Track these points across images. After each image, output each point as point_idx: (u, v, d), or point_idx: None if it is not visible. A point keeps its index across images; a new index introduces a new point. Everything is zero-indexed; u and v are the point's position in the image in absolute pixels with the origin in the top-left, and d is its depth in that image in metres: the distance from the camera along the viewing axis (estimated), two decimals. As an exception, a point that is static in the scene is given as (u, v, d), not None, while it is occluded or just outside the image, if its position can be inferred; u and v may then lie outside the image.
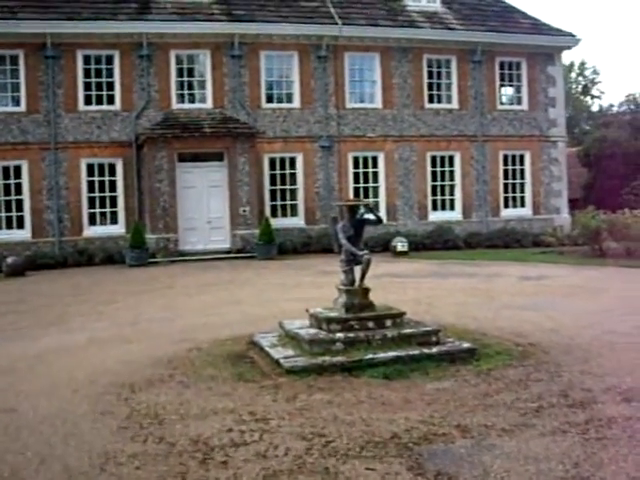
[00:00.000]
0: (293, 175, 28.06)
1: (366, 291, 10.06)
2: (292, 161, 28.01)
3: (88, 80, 26.34)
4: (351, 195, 28.59)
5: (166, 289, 17.94)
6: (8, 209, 25.72)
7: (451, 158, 29.82)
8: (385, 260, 22.53)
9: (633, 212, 24.47)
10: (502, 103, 30.95)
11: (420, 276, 19.12)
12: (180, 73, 27.10)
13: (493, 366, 9.07)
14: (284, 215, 27.89)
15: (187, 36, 26.72)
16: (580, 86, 76.60)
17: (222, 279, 19.59)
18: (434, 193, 29.67)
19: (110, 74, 26.50)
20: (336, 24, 27.87)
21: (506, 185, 30.64)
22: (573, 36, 31.19)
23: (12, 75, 25.67)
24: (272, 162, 27.76)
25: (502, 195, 30.50)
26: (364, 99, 29.06)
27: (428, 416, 7.02)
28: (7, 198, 25.70)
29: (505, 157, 30.53)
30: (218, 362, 9.72)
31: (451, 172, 29.86)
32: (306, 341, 9.42)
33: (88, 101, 26.35)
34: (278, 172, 27.87)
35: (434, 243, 27.88)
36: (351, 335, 9.51)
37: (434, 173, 29.62)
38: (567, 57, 70.41)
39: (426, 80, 29.50)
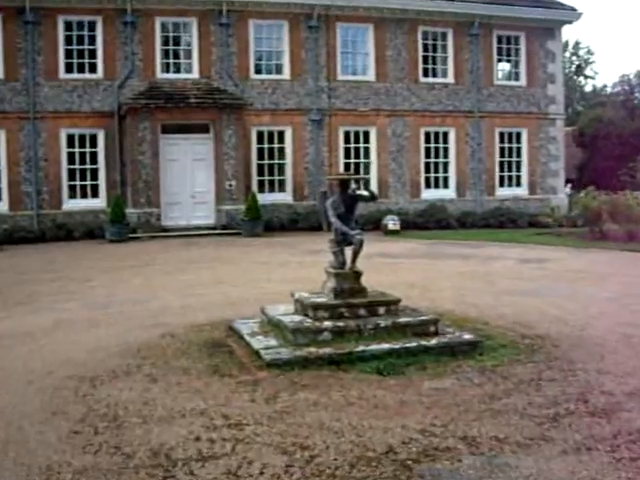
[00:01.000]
0: (281, 149, 26.99)
1: (358, 275, 9.10)
2: (281, 135, 26.92)
3: (69, 47, 25.14)
4: (341, 170, 27.53)
5: (144, 267, 16.93)
6: (-17, 180, 24.62)
7: (445, 134, 28.80)
8: (376, 239, 21.55)
9: (634, 193, 23.57)
10: (499, 78, 29.88)
11: (413, 257, 18.18)
12: (165, 41, 25.92)
13: (498, 362, 8.13)
14: (272, 190, 26.83)
15: (173, 2, 25.54)
16: (574, 66, 75.55)
17: (204, 257, 18.60)
18: (427, 170, 28.67)
19: (92, 41, 25.30)
20: (328, -8, 26.74)
21: (502, 163, 29.67)
22: (574, 10, 30.12)
23: (-11, 40, 24.45)
24: (260, 135, 26.68)
25: (497, 174, 29.53)
26: (356, 71, 27.96)
27: (428, 424, 6.07)
28: (-18, 169, 24.59)
29: (501, 134, 29.53)
30: (192, 351, 8.76)
31: (445, 149, 28.85)
32: (290, 330, 8.45)
33: (69, 69, 25.16)
34: (266, 146, 26.80)
35: (426, 222, 26.93)
36: (340, 324, 8.55)
37: (428, 149, 28.61)
38: (562, 36, 69.10)
39: (421, 53, 28.42)
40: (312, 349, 8.13)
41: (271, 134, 26.83)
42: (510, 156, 29.73)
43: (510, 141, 29.70)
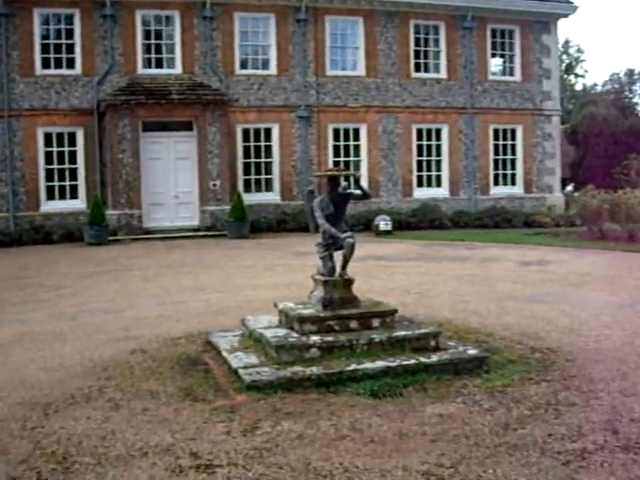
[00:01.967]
0: (268, 147, 26.00)
1: (349, 283, 8.15)
2: (267, 132, 25.94)
3: (46, 42, 24.11)
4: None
5: (123, 272, 15.93)
6: (-43, 181, 23.57)
7: (438, 131, 27.88)
8: (367, 240, 20.60)
9: (635, 192, 22.70)
10: (493, 74, 28.91)
11: (407, 259, 17.24)
12: (147, 35, 24.91)
13: (508, 381, 7.20)
14: (258, 190, 25.84)
15: (155, -6, 24.53)
16: (564, 64, 74.79)
17: (187, 260, 17.61)
18: (420, 168, 27.74)
19: (70, 35, 24.26)
20: (316, -15, 25.79)
21: (496, 161, 28.76)
22: (570, 2, 29.25)
23: (-39, 34, 23.40)
24: (246, 133, 25.68)
25: (492, 172, 28.62)
26: (346, 66, 26.98)
27: (434, 464, 5.13)
28: (-44, 169, 23.54)
29: (496, 131, 28.62)
30: (164, 370, 7.80)
31: (438, 146, 27.93)
32: (273, 346, 7.49)
33: (46, 65, 24.10)
34: (252, 144, 25.80)
35: (419, 222, 26.00)
36: (329, 339, 7.60)
37: (420, 147, 27.67)
38: (557, 30, 68.17)
39: (413, 47, 27.49)
40: (298, 368, 7.18)
41: (257, 131, 25.84)
42: (505, 154, 28.82)
43: (505, 138, 28.79)
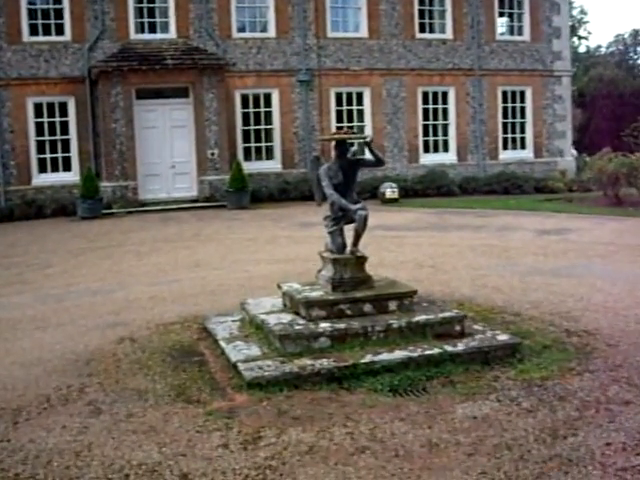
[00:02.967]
0: (268, 113, 24.89)
1: (361, 261, 7.22)
2: (267, 98, 24.82)
3: (33, 7, 22.89)
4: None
5: (116, 248, 14.99)
6: (-55, 154, 22.57)
7: (445, 94, 26.72)
8: (373, 209, 19.21)
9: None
10: (501, 33, 27.66)
11: (417, 229, 16.28)
12: (139, -2, 23.73)
13: (547, 372, 6.30)
14: (258, 158, 24.77)
15: (146, -45, 23.33)
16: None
17: (184, 234, 16.66)
18: (426, 133, 26.63)
19: (59, 0, 23.05)
20: (316, -59, 24.56)
21: (505, 125, 27.60)
22: (581, -43, 27.92)
23: (-56, 0, 22.26)
24: (244, 99, 24.57)
25: (501, 136, 27.47)
26: (347, 28, 25.76)
27: (476, 487, 4.23)
28: (-57, 142, 22.53)
29: (504, 93, 27.43)
30: (154, 363, 6.91)
31: (444, 110, 26.79)
32: (277, 336, 6.57)
33: (34, 31, 22.92)
34: (251, 110, 24.69)
35: (426, 189, 24.96)
36: (341, 326, 6.68)
37: (426, 111, 26.53)
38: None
39: (417, 7, 26.18)
40: (305, 361, 6.28)
41: (256, 97, 24.73)
42: (514, 117, 27.67)
43: (514, 100, 27.63)
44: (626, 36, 69.40)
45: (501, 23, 27.91)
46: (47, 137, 23.00)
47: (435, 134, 26.79)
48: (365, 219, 7.04)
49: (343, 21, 25.68)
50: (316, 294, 7.02)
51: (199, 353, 7.17)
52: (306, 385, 6.04)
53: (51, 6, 23.00)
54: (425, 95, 26.46)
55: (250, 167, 23.32)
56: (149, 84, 22.18)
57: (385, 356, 6.36)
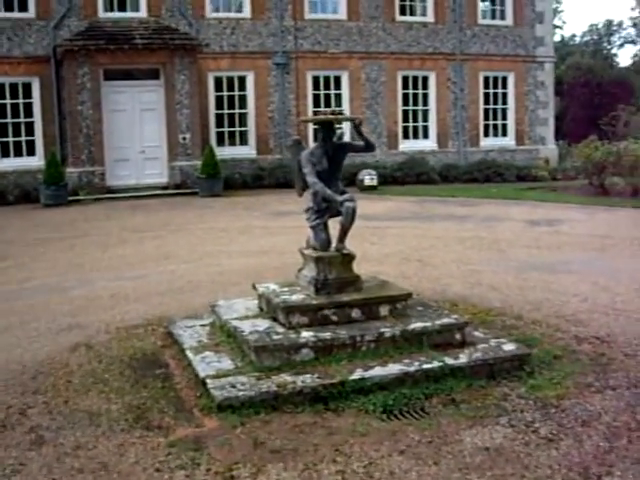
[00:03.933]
0: (243, 97, 23.85)
1: (348, 259, 6.36)
2: (241, 81, 23.77)
3: (-5, -19, 21.72)
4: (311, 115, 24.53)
5: (79, 238, 13.97)
6: None
7: (425, 79, 25.83)
8: (353, 198, 18.73)
9: (638, 142, 21.01)
10: (483, 17, 26.80)
11: (400, 218, 15.43)
12: (107, -26, 22.58)
13: (562, 389, 5.51)
14: (232, 144, 23.72)
15: None
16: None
17: (153, 223, 15.69)
18: (405, 119, 25.73)
19: (22, -26, 21.90)
20: None
21: (487, 111, 26.75)
22: (565, -62, 27.15)
23: None
24: (218, 82, 23.51)
25: (482, 122, 26.62)
26: (326, 9, 24.73)
27: None
28: None
29: (486, 79, 26.58)
30: (111, 377, 6.03)
31: (425, 95, 25.90)
32: (252, 347, 5.69)
33: (-4, 7, 21.75)
34: (225, 93, 23.64)
35: (405, 176, 24.10)
36: (326, 335, 5.82)
37: (406, 96, 25.62)
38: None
39: (397, -12, 25.32)
40: (286, 377, 5.42)
41: (231, 80, 23.69)
42: (495, 103, 26.84)
43: (495, 86, 26.80)
44: (600, 26, 69.41)
45: (483, 6, 27.03)
46: (10, 119, 21.79)
47: (415, 120, 25.92)
48: (353, 212, 6.18)
49: (321, 2, 24.63)
50: (297, 297, 6.15)
51: (163, 364, 6.29)
52: (286, 406, 5.20)
53: (13, -19, 21.82)
54: (405, 80, 25.55)
55: (223, 153, 22.33)
56: (118, 65, 21.07)
57: (377, 371, 5.52)
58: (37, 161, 21.69)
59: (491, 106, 26.80)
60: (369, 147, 6.51)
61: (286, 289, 6.42)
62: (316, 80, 24.55)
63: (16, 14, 21.84)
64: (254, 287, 6.74)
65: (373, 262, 9.93)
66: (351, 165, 22.04)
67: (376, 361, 5.69)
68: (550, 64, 27.66)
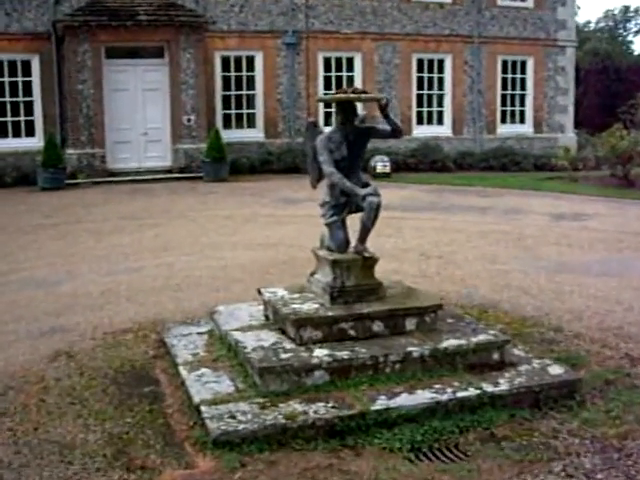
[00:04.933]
0: (251, 78, 22.89)
1: (370, 263, 5.48)
2: (250, 61, 22.81)
3: (-7, -47, 20.77)
4: (321, 103, 23.60)
5: (73, 224, 13.11)
6: None
7: (441, 62, 24.83)
8: (364, 186, 17.81)
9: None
10: (503, -1, 25.79)
11: (415, 209, 14.51)
12: (112, -53, 21.59)
13: (623, 427, 4.64)
14: (239, 127, 22.77)
15: None
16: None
17: (153, 209, 14.82)
18: (420, 104, 24.75)
19: (22, -55, 20.94)
20: None
21: (504, 97, 25.75)
22: None
23: None
24: (225, 62, 22.55)
25: (499, 108, 25.61)
26: (339, -13, 23.83)
27: None
28: None
29: (504, 63, 25.56)
30: (92, 396, 5.19)
31: (440, 79, 24.90)
32: (256, 368, 4.82)
33: (-7, -20, 20.81)
34: (232, 74, 22.68)
35: (419, 163, 23.18)
36: (343, 354, 4.95)
37: (420, 79, 24.63)
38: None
39: (414, -34, 24.29)
40: (295, 406, 4.55)
41: (238, 60, 22.72)
42: (513, 88, 25.83)
43: (514, 71, 25.78)
44: (616, 12, 68.29)
45: (503, -13, 25.95)
46: (8, 98, 20.87)
47: (430, 105, 24.93)
48: (377, 208, 5.32)
49: (334, -20, 23.68)
50: (309, 307, 5.27)
51: (153, 380, 5.44)
52: (296, 442, 4.34)
53: (13, -48, 20.86)
54: (420, 63, 24.55)
55: (230, 136, 21.39)
56: (120, 42, 20.12)
57: (404, 399, 4.65)
58: (37, 142, 20.78)
59: (509, 92, 25.79)
60: (396, 132, 5.62)
61: (296, 296, 5.54)
62: (327, 61, 23.58)
63: (15, -12, 20.91)
64: (259, 292, 5.86)
65: (389, 258, 9.05)
66: (363, 151, 21.14)
67: (402, 386, 4.82)
68: (572, 49, 26.62)
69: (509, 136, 25.49)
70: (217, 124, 21.59)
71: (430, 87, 24.80)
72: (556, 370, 5.18)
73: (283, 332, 5.30)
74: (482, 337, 5.29)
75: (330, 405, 4.55)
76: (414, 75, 24.45)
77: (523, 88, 25.94)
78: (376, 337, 5.19)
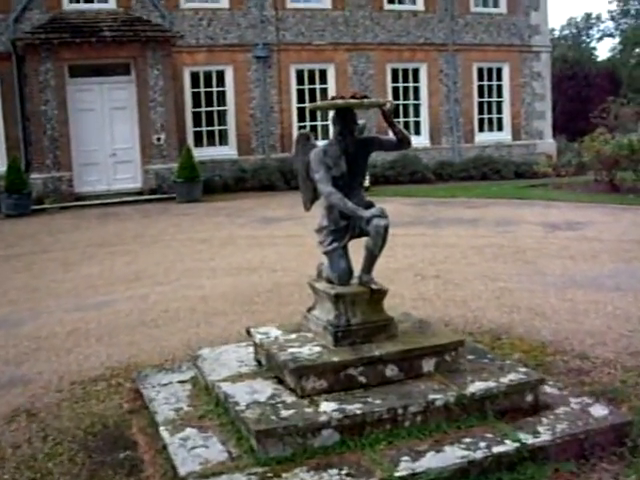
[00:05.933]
0: (221, 93, 22.14)
1: (378, 296, 4.74)
2: (220, 76, 22.07)
3: (-52, -29, 19.88)
4: (294, 117, 22.93)
5: (38, 254, 12.22)
6: None
7: (416, 71, 24.26)
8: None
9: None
10: (476, 5, 25.16)
11: (403, 224, 13.72)
12: (73, -37, 20.80)
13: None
14: (211, 144, 22.01)
15: None
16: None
17: (125, 234, 13.97)
18: (396, 114, 23.86)
19: (-22, -37, 20.09)
20: None
21: (481, 104, 25.24)
22: None
23: None
24: (194, 77, 21.80)
25: (477, 117, 25.11)
26: (309, -3, 23.20)
27: None
28: None
29: (480, 70, 25.06)
30: (57, 468, 4.44)
31: (416, 88, 24.32)
32: (252, 430, 4.02)
33: (-51, -1, 19.93)
34: (202, 90, 21.93)
35: (398, 175, 22.56)
36: (354, 408, 4.18)
37: (395, 89, 24.03)
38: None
39: (385, -26, 23.72)
40: (302, 475, 3.79)
41: (208, 75, 21.98)
42: (490, 96, 25.33)
43: (490, 78, 25.27)
44: (578, 19, 68.94)
45: (476, -7, 25.45)
46: (-32, 122, 20.02)
47: (406, 115, 24.32)
48: (385, 232, 4.58)
49: (304, -10, 23.05)
50: (310, 351, 4.49)
51: (130, 443, 4.64)
52: (306, 525, 3.56)
53: (-31, -30, 19.99)
54: (395, 72, 23.99)
55: (202, 154, 20.64)
56: (84, 60, 19.29)
57: (431, 460, 3.88)
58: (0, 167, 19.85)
59: (486, 99, 25.35)
60: (403, 143, 4.85)
61: (293, 337, 4.77)
62: (300, 74, 22.93)
63: (-28, 7, 20.02)
64: (249, 333, 5.07)
65: (382, 280, 8.16)
66: (340, 164, 20.42)
67: (426, 442, 4.06)
68: (547, 54, 26.24)
69: (488, 144, 25.00)
70: (188, 142, 20.83)
71: (406, 97, 24.25)
72: (599, 411, 4.44)
73: (280, 381, 4.52)
74: (512, 377, 4.54)
75: (345, 472, 3.77)
76: (389, 85, 23.90)
77: (500, 95, 25.49)
78: (390, 383, 4.43)
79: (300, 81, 22.92)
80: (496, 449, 4.00)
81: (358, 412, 4.09)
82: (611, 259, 9.84)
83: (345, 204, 4.53)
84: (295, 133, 22.03)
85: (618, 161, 18.15)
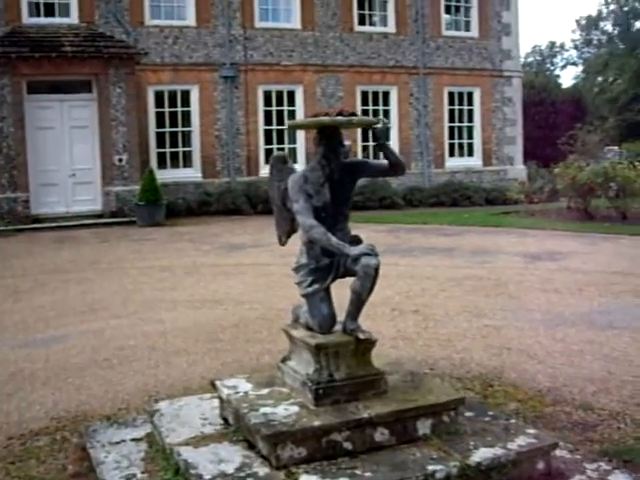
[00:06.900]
0: (186, 114, 21.47)
1: (366, 347, 4.06)
2: (185, 95, 21.41)
3: None
4: (261, 139, 22.31)
5: (-14, 282, 11.41)
6: None
7: (386, 94, 23.84)
8: (313, 226, 16.44)
9: (623, 162, 19.34)
10: (448, 29, 24.87)
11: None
12: (33, -24, 20.07)
13: None
14: (175, 166, 21.29)
15: None
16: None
17: (81, 260, 13.17)
18: (365, 138, 23.53)
19: None
20: None
21: (452, 129, 24.88)
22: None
23: None
24: (159, 96, 21.12)
25: (447, 141, 24.74)
26: (278, 17, 22.57)
27: None
28: None
29: (451, 95, 24.71)
30: None
31: (386, 112, 23.87)
32: (218, 511, 3.34)
33: None
34: (167, 110, 21.24)
35: (367, 201, 21.98)
36: (340, 480, 3.50)
37: (365, 113, 23.40)
38: None
39: (356, -4, 23.33)
40: None
41: (173, 95, 21.30)
42: (461, 120, 24.98)
43: (461, 103, 24.94)
44: (543, 47, 69.81)
45: (448, 17, 25.10)
46: None
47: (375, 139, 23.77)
48: (376, 273, 3.94)
49: (273, 9, 22.52)
50: (286, 412, 3.82)
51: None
52: None
53: None
54: (364, 95, 23.55)
55: (165, 176, 19.93)
56: (43, 76, 18.51)
57: None
58: (-46, 187, 18.93)
59: (456, 124, 25.00)
60: (396, 168, 4.29)
61: (265, 392, 4.09)
62: (267, 95, 22.37)
63: None
64: (213, 386, 4.38)
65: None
66: (308, 189, 19.83)
67: (426, 528, 3.40)
68: (518, 79, 26.01)
69: (458, 170, 24.63)
70: (151, 164, 20.11)
71: (375, 121, 23.65)
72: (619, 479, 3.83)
73: (251, 445, 3.84)
74: (521, 441, 3.91)
75: None
76: (358, 108, 23.33)
77: (471, 120, 25.18)
78: (380, 449, 3.77)
79: (268, 102, 22.35)
80: (509, 535, 3.36)
81: (345, 488, 3.43)
82: (599, 293, 9.30)
83: (328, 239, 3.89)
84: (262, 156, 21.60)
85: (593, 188, 17.79)
